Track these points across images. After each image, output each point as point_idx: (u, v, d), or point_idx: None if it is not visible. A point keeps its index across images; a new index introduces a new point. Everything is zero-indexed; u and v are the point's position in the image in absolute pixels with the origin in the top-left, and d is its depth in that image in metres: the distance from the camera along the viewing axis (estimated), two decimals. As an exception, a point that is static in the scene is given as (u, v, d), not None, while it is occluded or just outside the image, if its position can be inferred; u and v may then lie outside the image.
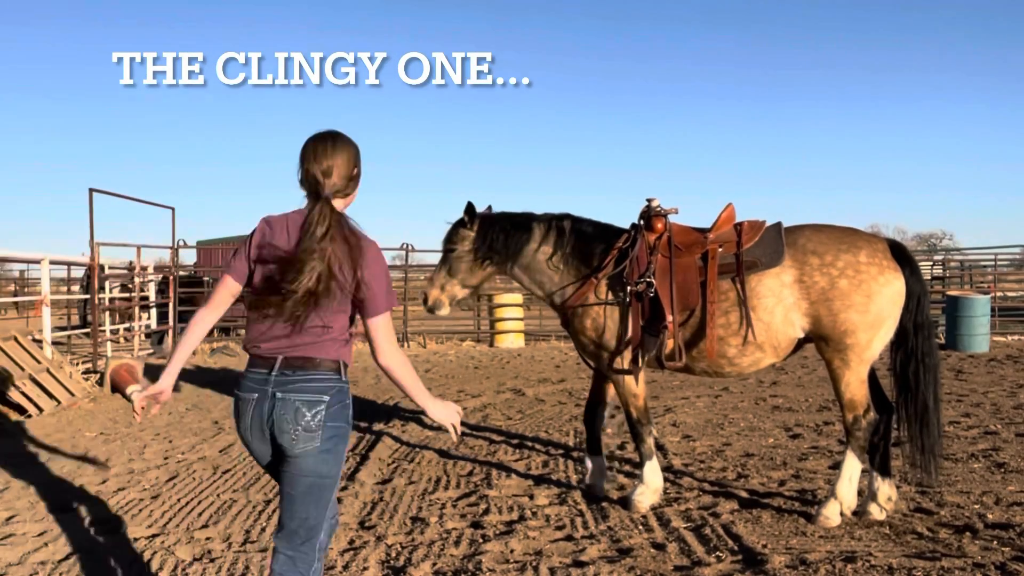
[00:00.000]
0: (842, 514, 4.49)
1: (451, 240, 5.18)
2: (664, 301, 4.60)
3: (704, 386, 9.64)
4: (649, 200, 4.89)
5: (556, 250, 5.06)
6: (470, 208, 5.11)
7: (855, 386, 4.48)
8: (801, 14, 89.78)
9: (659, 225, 4.80)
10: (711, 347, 4.55)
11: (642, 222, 4.88)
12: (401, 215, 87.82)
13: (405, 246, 15.68)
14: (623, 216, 5.06)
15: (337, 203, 2.59)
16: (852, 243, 4.51)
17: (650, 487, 4.87)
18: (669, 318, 4.59)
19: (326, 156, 2.56)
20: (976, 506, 4.70)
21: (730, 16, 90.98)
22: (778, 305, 4.51)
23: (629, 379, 4.88)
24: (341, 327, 2.58)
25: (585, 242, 5.05)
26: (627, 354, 4.80)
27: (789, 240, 4.58)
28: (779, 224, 4.70)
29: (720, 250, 4.63)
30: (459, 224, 5.18)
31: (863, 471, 4.58)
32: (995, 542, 4.08)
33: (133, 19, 72.30)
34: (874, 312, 4.41)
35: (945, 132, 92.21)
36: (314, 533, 2.59)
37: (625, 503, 4.90)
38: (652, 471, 4.90)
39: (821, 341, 4.52)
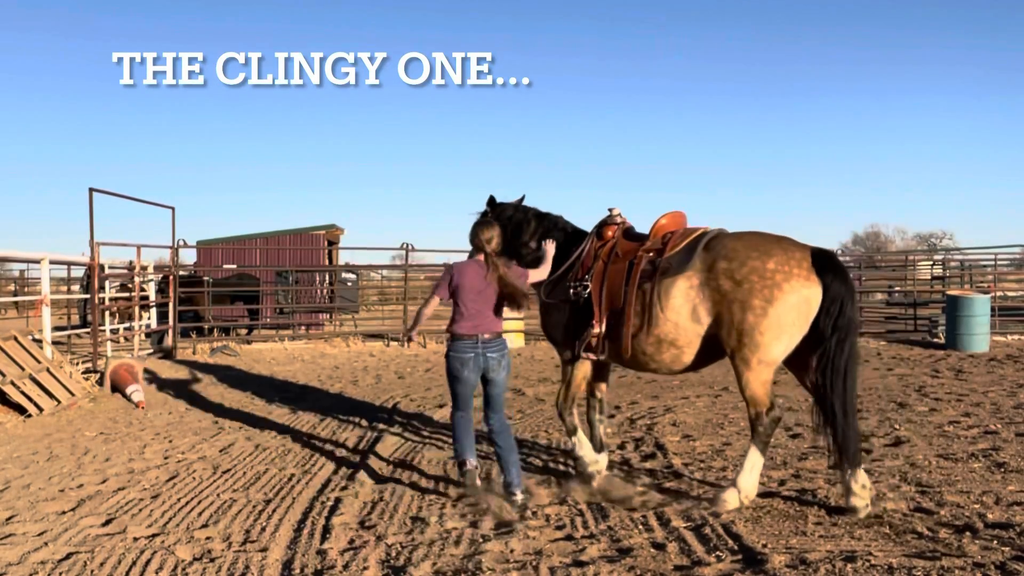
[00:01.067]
0: (741, 503, 4.72)
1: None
2: (594, 301, 5.16)
3: (704, 386, 9.64)
4: (610, 210, 5.43)
5: (536, 249, 5.65)
6: (492, 200, 5.82)
7: (755, 385, 4.69)
8: (802, 12, 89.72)
9: (608, 233, 5.37)
10: (626, 343, 5.01)
11: (597, 231, 5.42)
12: (401, 215, 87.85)
13: (405, 246, 15.67)
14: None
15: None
16: (765, 251, 4.67)
17: (587, 459, 5.40)
18: (596, 316, 5.12)
19: (487, 232, 5.04)
20: (976, 506, 4.71)
21: (732, 15, 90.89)
22: (685, 306, 4.78)
23: (571, 368, 5.43)
24: (499, 313, 5.04)
25: (556, 246, 5.55)
26: (570, 345, 5.34)
27: (711, 247, 4.82)
28: (715, 231, 4.96)
29: (650, 256, 5.00)
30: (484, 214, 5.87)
31: (839, 468, 4.63)
32: (995, 542, 4.08)
33: (133, 19, 72.12)
34: (773, 317, 4.56)
35: (945, 131, 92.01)
36: (503, 406, 5.12)
37: (578, 479, 5.32)
38: (580, 443, 5.47)
39: (722, 341, 4.73)
